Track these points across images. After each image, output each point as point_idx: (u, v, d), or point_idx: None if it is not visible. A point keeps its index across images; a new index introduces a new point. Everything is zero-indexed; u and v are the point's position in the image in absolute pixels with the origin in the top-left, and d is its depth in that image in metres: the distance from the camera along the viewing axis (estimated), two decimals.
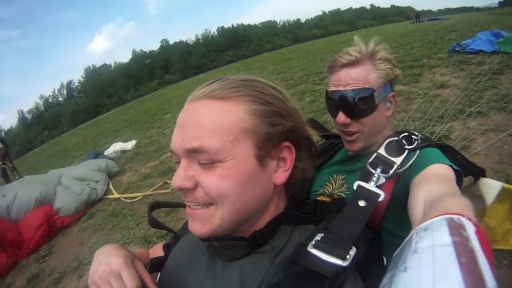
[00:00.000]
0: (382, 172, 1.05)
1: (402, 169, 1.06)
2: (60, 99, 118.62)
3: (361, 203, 0.82)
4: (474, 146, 4.00)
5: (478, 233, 0.45)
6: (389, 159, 1.08)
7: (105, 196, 6.38)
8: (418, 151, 1.09)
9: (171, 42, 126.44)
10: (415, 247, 0.48)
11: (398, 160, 1.07)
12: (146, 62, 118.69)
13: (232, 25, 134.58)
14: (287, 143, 0.74)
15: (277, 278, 0.69)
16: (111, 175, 7.48)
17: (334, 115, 1.26)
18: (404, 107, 5.89)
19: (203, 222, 0.70)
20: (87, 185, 6.25)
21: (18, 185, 5.86)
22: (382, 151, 1.12)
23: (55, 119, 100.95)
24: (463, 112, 4.92)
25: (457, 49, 9.42)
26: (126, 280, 0.71)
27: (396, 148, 1.12)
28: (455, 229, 0.47)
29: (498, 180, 2.86)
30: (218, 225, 0.69)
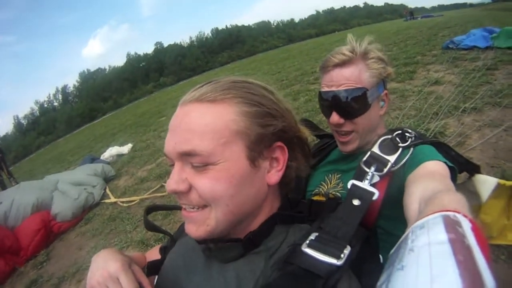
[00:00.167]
0: (376, 170, 1.06)
1: (396, 167, 1.07)
2: (56, 104, 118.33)
3: (355, 202, 0.83)
4: (469, 142, 4.00)
5: (474, 229, 0.45)
6: (383, 157, 1.09)
7: (102, 201, 6.35)
8: (412, 149, 1.10)
9: (165, 45, 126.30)
10: (411, 245, 0.48)
11: (392, 158, 1.08)
12: (141, 65, 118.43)
13: (226, 27, 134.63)
14: (279, 143, 0.75)
15: (272, 278, 0.69)
16: (107, 179, 7.45)
17: (328, 115, 1.26)
18: (399, 104, 5.90)
19: (198, 225, 0.71)
20: (84, 189, 6.21)
21: (14, 191, 5.83)
22: (376, 149, 1.13)
23: (51, 124, 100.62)
24: (457, 109, 4.93)
25: (450, 46, 9.46)
26: (124, 285, 0.72)
27: (390, 146, 1.12)
28: (451, 226, 0.46)
29: (494, 175, 2.88)
30: (213, 226, 0.70)
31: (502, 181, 1.29)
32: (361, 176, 1.05)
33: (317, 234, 0.72)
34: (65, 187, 6.02)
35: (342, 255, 0.65)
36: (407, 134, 1.15)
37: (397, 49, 12.28)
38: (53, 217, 5.43)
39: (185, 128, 0.68)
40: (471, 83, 5.86)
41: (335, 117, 1.22)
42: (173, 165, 0.72)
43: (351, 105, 1.18)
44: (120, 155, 9.94)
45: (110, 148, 10.44)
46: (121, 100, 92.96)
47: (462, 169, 1.25)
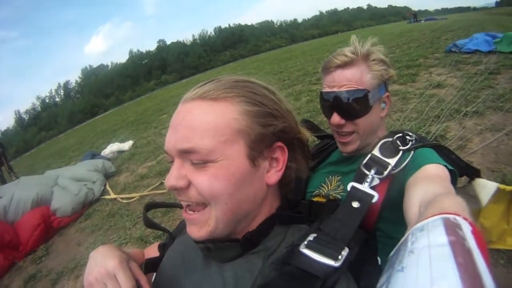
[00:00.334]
0: (376, 173, 1.06)
1: (396, 170, 1.06)
2: (57, 99, 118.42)
3: (355, 204, 0.84)
4: (470, 145, 3.99)
5: (474, 232, 0.45)
6: (384, 160, 1.09)
7: (102, 197, 6.36)
8: (412, 152, 1.10)
9: (168, 43, 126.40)
10: (412, 247, 0.48)
11: (392, 161, 1.08)
12: (143, 62, 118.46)
13: (229, 25, 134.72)
14: (279, 144, 0.75)
15: (269, 277, 0.69)
16: (108, 176, 7.45)
17: (329, 116, 1.26)
18: (400, 107, 5.88)
19: (200, 226, 0.71)
20: (84, 185, 6.23)
21: (14, 186, 5.84)
22: (376, 152, 1.13)
23: (52, 119, 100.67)
24: (459, 112, 4.91)
25: (453, 49, 9.44)
26: (121, 282, 0.72)
27: (390, 149, 1.13)
28: (451, 228, 0.47)
29: (495, 179, 2.88)
30: (214, 227, 0.70)
31: (502, 186, 1.29)
32: (361, 178, 1.05)
33: (315, 235, 0.72)
34: (65, 183, 6.03)
35: (340, 257, 0.65)
36: (407, 137, 1.15)
37: (400, 51, 12.24)
38: (53, 212, 5.43)
39: (186, 126, 0.69)
40: (473, 87, 5.84)
41: (336, 118, 1.22)
42: (173, 161, 0.72)
43: (352, 106, 1.18)
44: (120, 152, 9.95)
45: (111, 145, 10.44)
46: (123, 97, 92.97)
47: (462, 172, 1.25)
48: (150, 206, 1.09)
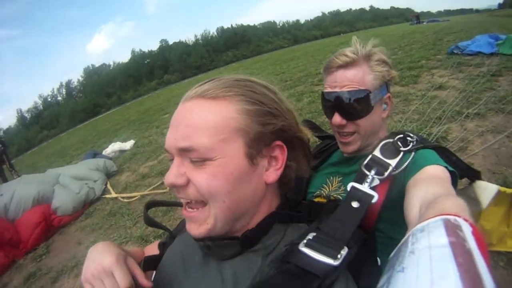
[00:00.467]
0: (376, 174, 1.06)
1: (397, 171, 1.07)
2: (59, 98, 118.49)
3: (354, 204, 0.84)
4: (471, 147, 3.99)
5: (475, 233, 0.45)
6: (384, 161, 1.10)
7: (103, 196, 6.37)
8: (413, 153, 1.10)
9: (170, 42, 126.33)
10: (412, 248, 0.48)
11: (393, 162, 1.09)
12: (146, 62, 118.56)
13: (232, 26, 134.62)
14: (278, 142, 0.75)
15: (268, 275, 0.69)
16: (109, 175, 7.47)
17: (330, 116, 1.26)
18: (402, 108, 5.88)
19: (199, 224, 0.72)
20: (85, 184, 6.24)
21: (16, 184, 5.86)
22: (377, 153, 1.13)
23: (54, 118, 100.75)
24: (461, 114, 4.91)
25: (455, 51, 9.41)
26: (118, 279, 0.72)
27: (391, 150, 1.13)
28: (452, 229, 0.47)
29: (496, 181, 2.87)
30: (212, 224, 0.71)
31: (503, 189, 1.30)
32: (361, 179, 1.05)
33: (315, 234, 0.72)
34: (67, 181, 6.05)
35: (339, 256, 0.65)
36: (408, 138, 1.15)
37: (402, 53, 12.22)
38: (54, 210, 5.45)
39: (186, 124, 0.70)
40: (475, 89, 5.83)
41: (337, 118, 1.22)
42: (173, 159, 0.73)
43: (354, 106, 1.18)
44: (122, 151, 9.97)
45: (113, 144, 10.47)
46: (125, 96, 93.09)
47: (463, 174, 1.25)
48: (151, 205, 1.09)
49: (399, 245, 0.54)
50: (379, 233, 1.08)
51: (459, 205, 0.60)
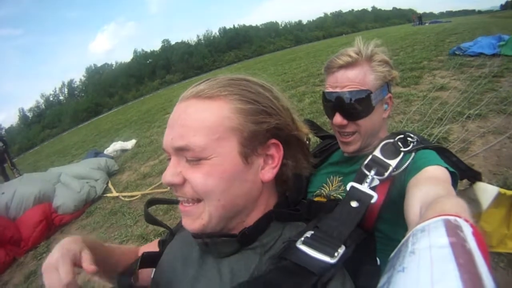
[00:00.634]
0: (376, 174, 1.06)
1: (397, 172, 1.07)
2: (61, 98, 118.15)
3: (353, 204, 0.84)
4: (472, 148, 3.99)
5: (475, 234, 0.45)
6: (385, 161, 1.10)
7: (104, 195, 6.40)
8: (413, 154, 1.10)
9: (173, 43, 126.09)
10: (412, 248, 0.48)
11: (393, 163, 1.09)
12: (148, 62, 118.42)
13: (234, 26, 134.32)
14: (274, 141, 0.76)
15: (264, 271, 0.70)
16: (110, 174, 7.49)
17: (331, 116, 1.26)
18: (403, 109, 5.89)
19: (194, 218, 0.73)
20: (87, 183, 6.27)
21: (17, 182, 5.90)
22: (377, 153, 1.13)
23: (56, 117, 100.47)
24: (462, 115, 4.91)
25: (457, 52, 9.40)
26: (61, 275, 0.71)
27: (391, 150, 1.13)
28: (452, 230, 0.47)
29: (496, 182, 2.87)
30: (207, 220, 0.72)
31: (503, 190, 1.29)
32: (361, 179, 1.06)
33: (312, 232, 0.73)
34: (68, 180, 6.07)
35: (336, 254, 0.66)
36: (409, 138, 1.15)
37: (404, 53, 12.24)
38: (55, 209, 5.47)
39: (181, 124, 0.71)
40: (476, 90, 5.83)
41: (338, 118, 1.22)
42: (170, 159, 0.74)
43: (355, 106, 1.18)
44: (123, 150, 10.00)
45: (114, 143, 10.49)
46: (127, 96, 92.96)
47: (463, 175, 1.26)
48: (152, 202, 1.11)
49: (400, 245, 0.54)
50: (379, 233, 1.08)
51: (459, 205, 0.60)
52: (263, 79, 0.84)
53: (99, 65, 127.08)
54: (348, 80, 1.18)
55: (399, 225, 0.96)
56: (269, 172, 0.77)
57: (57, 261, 0.73)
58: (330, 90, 1.24)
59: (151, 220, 1.04)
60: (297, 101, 8.99)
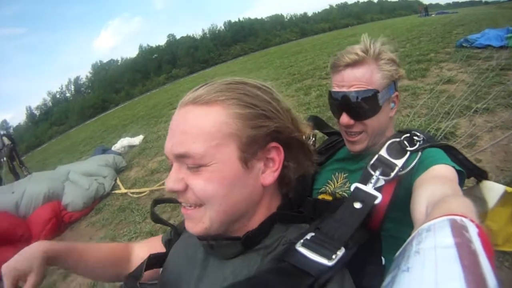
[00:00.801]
0: (382, 174, 1.05)
1: (404, 172, 1.06)
2: (68, 95, 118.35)
3: (357, 205, 0.83)
4: (480, 143, 3.95)
5: (481, 234, 0.45)
6: (391, 161, 1.08)
7: (113, 191, 6.43)
8: (420, 153, 1.09)
9: (178, 37, 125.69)
10: (418, 247, 0.48)
11: (399, 162, 1.07)
12: (153, 57, 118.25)
13: (239, 19, 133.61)
14: (274, 144, 0.76)
15: (261, 271, 0.71)
16: (118, 170, 7.52)
17: (337, 115, 1.26)
18: (410, 102, 5.85)
19: (196, 222, 0.74)
20: (95, 180, 6.31)
21: (26, 181, 5.95)
22: (383, 152, 1.12)
23: (63, 114, 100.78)
24: (469, 109, 4.84)
25: (464, 44, 9.27)
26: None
27: (398, 150, 1.12)
28: (458, 230, 0.47)
29: (504, 178, 2.85)
30: (208, 224, 0.73)
31: (510, 189, 1.28)
32: (366, 179, 1.04)
33: (313, 234, 0.73)
34: (76, 178, 6.11)
35: (333, 256, 0.66)
36: (415, 137, 1.14)
37: (411, 45, 12.10)
38: (64, 207, 5.52)
39: (180, 131, 0.72)
40: (484, 83, 5.74)
41: (345, 118, 1.21)
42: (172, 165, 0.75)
43: (362, 106, 1.17)
44: (131, 146, 10.00)
45: (122, 139, 10.49)
46: (133, 91, 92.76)
47: (469, 174, 1.24)
48: (158, 201, 1.14)
49: (405, 244, 0.53)
50: (386, 233, 1.07)
51: (466, 205, 0.60)
52: (261, 80, 0.84)
53: (104, 61, 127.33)
54: (355, 79, 1.18)
55: (405, 224, 0.95)
56: (270, 176, 0.77)
57: (3, 275, 0.81)
58: (337, 89, 1.23)
59: (157, 219, 1.06)
60: (303, 94, 8.96)
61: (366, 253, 0.76)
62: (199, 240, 0.83)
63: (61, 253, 0.92)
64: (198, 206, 0.73)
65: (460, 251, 0.41)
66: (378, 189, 1.01)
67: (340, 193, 1.26)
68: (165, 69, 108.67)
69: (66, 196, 5.61)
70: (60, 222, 5.38)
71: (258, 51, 72.00)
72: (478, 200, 1.34)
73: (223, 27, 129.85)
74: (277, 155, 0.77)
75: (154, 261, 0.96)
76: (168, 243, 1.06)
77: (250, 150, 0.73)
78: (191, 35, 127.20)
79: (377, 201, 0.86)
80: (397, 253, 0.54)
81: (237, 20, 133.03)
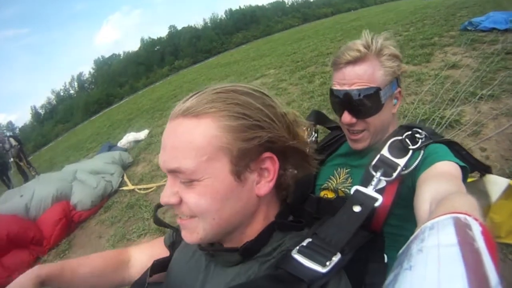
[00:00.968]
0: (384, 175, 1.06)
1: (406, 171, 1.06)
2: (72, 92, 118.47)
3: (356, 209, 0.83)
4: (485, 131, 3.89)
5: (484, 233, 0.45)
6: (393, 161, 1.09)
7: (120, 188, 6.47)
8: (422, 151, 1.09)
9: (179, 28, 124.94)
10: (421, 245, 0.48)
11: (402, 162, 1.08)
12: (156, 49, 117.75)
13: (240, 7, 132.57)
14: (268, 154, 0.74)
15: (256, 278, 0.72)
16: (125, 167, 7.56)
17: (339, 114, 1.24)
18: (415, 89, 5.80)
19: (190, 232, 0.75)
20: (102, 178, 6.36)
21: (34, 183, 6.00)
22: (385, 152, 1.12)
23: (68, 112, 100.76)
24: (474, 95, 4.77)
25: (469, 27, 9.10)
26: None
27: (400, 148, 1.12)
28: (461, 228, 0.47)
29: (508, 168, 2.83)
30: (202, 235, 0.73)
31: None
32: (367, 181, 1.05)
33: (310, 240, 0.73)
34: (84, 177, 6.16)
35: (327, 263, 0.66)
36: (417, 135, 1.14)
37: (414, 29, 11.97)
38: (73, 206, 5.57)
39: (171, 146, 0.71)
40: (489, 68, 5.63)
41: (347, 117, 1.21)
42: None
43: (364, 105, 1.16)
44: (137, 141, 10.03)
45: (127, 135, 10.51)
46: (137, 84, 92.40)
47: (472, 169, 1.24)
48: (160, 205, 1.14)
49: (408, 242, 0.53)
50: (390, 229, 1.08)
51: (470, 203, 0.60)
52: (254, 85, 0.82)
53: (107, 56, 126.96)
54: (357, 77, 1.16)
55: (409, 221, 0.96)
56: (265, 186, 0.76)
57: None
58: (338, 87, 1.21)
59: (160, 223, 1.06)
60: (307, 82, 8.95)
61: (368, 252, 0.77)
62: (199, 249, 0.84)
63: (53, 274, 0.91)
64: (193, 217, 0.73)
65: (463, 250, 0.41)
66: (379, 190, 1.02)
67: (343, 189, 1.26)
68: (168, 60, 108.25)
69: (74, 196, 5.67)
70: (70, 222, 5.44)
71: (261, 38, 71.65)
72: (482, 193, 1.35)
73: (224, 16, 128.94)
74: (271, 165, 0.76)
75: (158, 266, 0.97)
76: (172, 246, 1.06)
77: (242, 163, 0.72)
78: (193, 25, 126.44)
79: (377, 204, 0.86)
80: (400, 251, 0.54)
81: (238, 8, 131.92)
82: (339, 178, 1.31)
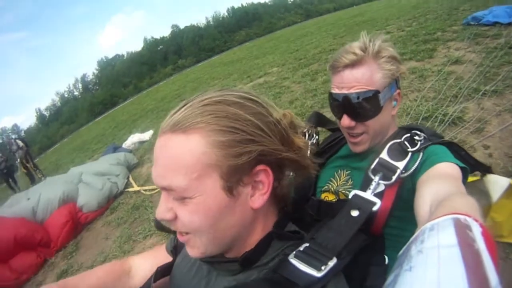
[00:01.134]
0: (383, 178, 1.05)
1: (406, 174, 1.06)
2: (76, 93, 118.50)
3: (354, 213, 0.82)
4: (488, 128, 3.85)
5: (484, 234, 0.45)
6: (392, 164, 1.09)
7: (126, 189, 6.52)
8: (421, 153, 1.09)
9: (182, 27, 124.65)
10: (421, 246, 0.48)
11: (401, 165, 1.08)
12: (159, 48, 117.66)
13: (242, 5, 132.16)
14: (261, 167, 0.72)
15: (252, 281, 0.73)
16: (130, 168, 7.61)
17: (339, 117, 1.24)
18: (418, 86, 5.77)
19: (192, 247, 0.75)
20: (108, 179, 6.41)
21: (41, 187, 6.10)
22: (384, 155, 1.12)
23: (73, 113, 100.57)
24: (478, 91, 4.71)
25: (471, 22, 9.02)
26: None
27: (399, 151, 1.12)
28: (461, 229, 0.47)
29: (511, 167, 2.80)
30: (203, 249, 0.73)
31: None
32: (366, 185, 1.05)
33: (307, 245, 0.73)
34: (89, 179, 6.21)
35: (323, 268, 0.66)
36: (416, 137, 1.13)
37: (417, 24, 11.89)
38: (80, 208, 5.63)
39: (161, 163, 0.70)
40: (492, 63, 5.56)
41: (346, 120, 1.20)
42: None
43: (363, 108, 1.15)
44: (142, 142, 10.09)
45: (132, 136, 10.57)
46: (141, 84, 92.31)
47: (472, 169, 1.24)
48: None
49: (408, 243, 0.53)
50: (391, 230, 1.08)
51: (470, 204, 0.61)
52: (244, 91, 0.79)
53: (110, 57, 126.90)
54: (355, 80, 1.15)
55: (410, 222, 0.95)
56: (259, 199, 0.74)
57: None
58: (337, 91, 1.21)
59: (161, 228, 1.03)
60: (310, 80, 8.94)
61: (368, 254, 0.77)
62: (200, 261, 0.85)
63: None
64: (188, 233, 0.73)
65: (463, 251, 0.41)
66: (378, 194, 1.02)
67: (343, 191, 1.25)
68: (171, 60, 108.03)
69: (80, 198, 5.72)
70: (77, 224, 5.51)
71: (264, 36, 71.34)
72: (483, 193, 1.35)
73: (226, 14, 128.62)
74: (265, 178, 0.73)
75: (162, 272, 0.98)
76: (175, 251, 1.06)
77: (234, 178, 0.70)
78: (195, 24, 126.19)
79: (375, 208, 0.86)
80: (400, 252, 0.54)
81: (240, 5, 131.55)
82: (340, 180, 1.31)
